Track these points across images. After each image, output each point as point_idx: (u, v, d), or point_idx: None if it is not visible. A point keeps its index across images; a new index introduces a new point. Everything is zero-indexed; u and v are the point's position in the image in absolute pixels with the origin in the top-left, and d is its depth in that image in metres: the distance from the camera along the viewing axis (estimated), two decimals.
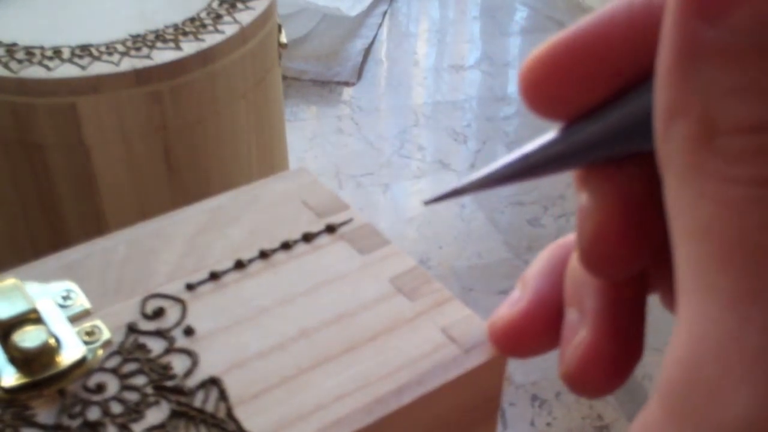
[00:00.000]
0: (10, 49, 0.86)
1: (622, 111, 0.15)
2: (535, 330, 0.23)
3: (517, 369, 1.27)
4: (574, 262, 0.20)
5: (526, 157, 0.18)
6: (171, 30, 0.90)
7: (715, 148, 0.12)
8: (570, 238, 0.22)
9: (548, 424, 1.20)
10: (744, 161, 0.12)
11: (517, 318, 0.23)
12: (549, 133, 0.17)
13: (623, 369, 0.19)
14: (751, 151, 0.12)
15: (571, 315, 0.20)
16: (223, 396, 0.27)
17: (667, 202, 0.13)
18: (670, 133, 0.13)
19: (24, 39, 0.88)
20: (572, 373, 0.19)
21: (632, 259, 0.17)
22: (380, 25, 2.24)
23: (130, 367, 0.28)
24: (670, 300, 0.20)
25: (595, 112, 0.16)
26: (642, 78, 0.15)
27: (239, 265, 0.32)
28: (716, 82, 0.12)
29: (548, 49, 0.16)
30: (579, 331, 0.19)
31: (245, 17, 0.93)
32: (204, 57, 0.87)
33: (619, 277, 0.18)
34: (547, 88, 0.16)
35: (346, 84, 2.00)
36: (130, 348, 0.29)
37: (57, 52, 0.85)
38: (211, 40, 0.88)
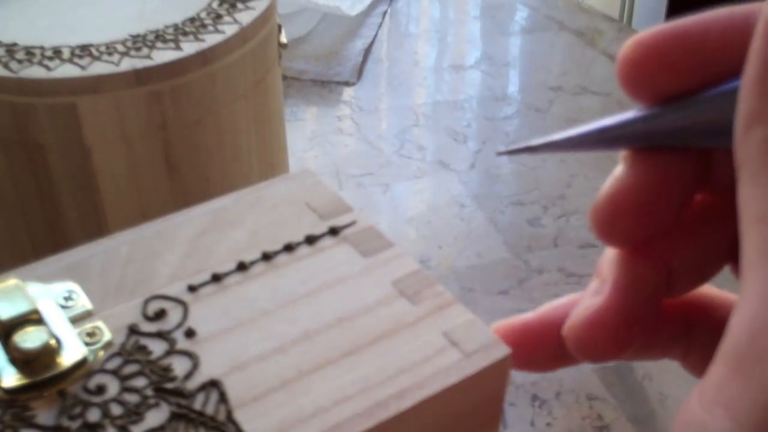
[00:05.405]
0: (10, 49, 0.86)
1: (706, 108, 0.17)
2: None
3: None
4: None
5: (602, 131, 0.19)
6: (171, 30, 0.90)
7: None
8: None
9: (548, 424, 1.20)
10: None
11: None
12: (628, 112, 0.19)
13: (623, 342, 0.20)
14: None
15: (592, 285, 0.21)
16: (223, 398, 0.27)
17: (738, 195, 0.15)
18: (748, 137, 0.15)
19: (24, 39, 0.88)
20: (574, 332, 0.21)
21: (635, 229, 0.19)
22: (380, 25, 2.24)
23: (131, 368, 0.28)
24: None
25: (678, 102, 0.18)
26: (728, 78, 0.17)
27: (241, 267, 0.32)
28: None
29: (652, 34, 0.18)
30: (594, 297, 0.21)
31: (245, 17, 0.93)
32: (204, 57, 0.87)
33: (615, 242, 0.20)
34: (644, 70, 0.18)
35: (346, 84, 2.00)
36: (130, 349, 0.29)
37: (57, 52, 0.85)
38: (211, 40, 0.88)
